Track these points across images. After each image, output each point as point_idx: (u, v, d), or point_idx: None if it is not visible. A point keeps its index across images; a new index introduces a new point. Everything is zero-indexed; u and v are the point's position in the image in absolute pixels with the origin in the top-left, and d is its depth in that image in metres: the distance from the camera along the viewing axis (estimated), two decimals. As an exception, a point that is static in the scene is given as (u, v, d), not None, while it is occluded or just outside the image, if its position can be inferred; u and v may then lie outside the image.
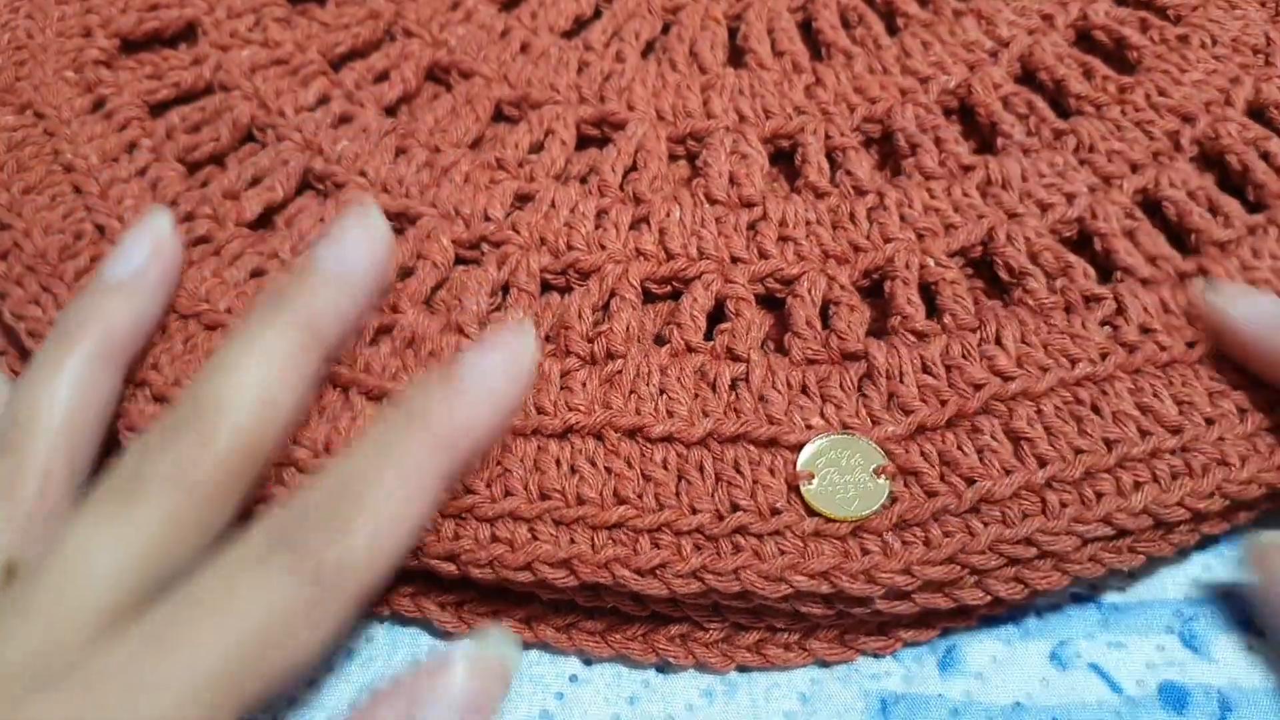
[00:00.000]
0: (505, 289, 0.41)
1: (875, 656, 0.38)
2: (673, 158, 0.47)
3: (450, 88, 0.49)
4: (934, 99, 0.46)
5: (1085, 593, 0.39)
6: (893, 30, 0.50)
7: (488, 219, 0.43)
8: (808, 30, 0.51)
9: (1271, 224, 0.41)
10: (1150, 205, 0.42)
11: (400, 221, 0.43)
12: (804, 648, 0.38)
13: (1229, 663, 0.37)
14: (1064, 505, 0.35)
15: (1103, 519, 0.35)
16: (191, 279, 0.41)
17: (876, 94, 0.47)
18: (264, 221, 0.44)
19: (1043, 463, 0.36)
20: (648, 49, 0.51)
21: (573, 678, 0.38)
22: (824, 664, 0.38)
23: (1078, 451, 0.36)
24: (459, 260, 0.43)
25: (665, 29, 0.52)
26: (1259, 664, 0.37)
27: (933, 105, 0.46)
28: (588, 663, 0.38)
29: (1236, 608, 0.39)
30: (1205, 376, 0.38)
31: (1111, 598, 0.39)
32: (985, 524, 0.35)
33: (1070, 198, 0.42)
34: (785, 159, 0.47)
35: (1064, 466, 0.36)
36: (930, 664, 0.38)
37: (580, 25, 0.52)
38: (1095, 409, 0.37)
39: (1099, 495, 0.35)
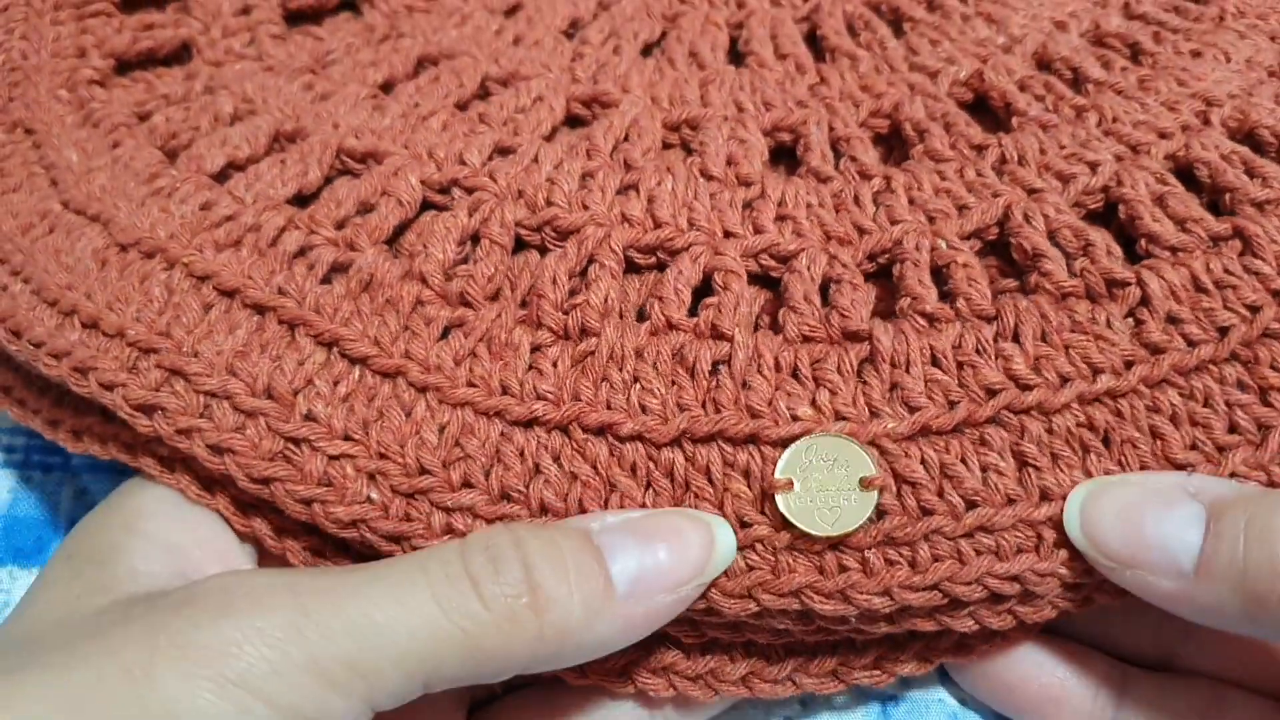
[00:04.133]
0: (475, 239, 0.38)
1: (868, 689, 0.37)
2: (667, 145, 0.44)
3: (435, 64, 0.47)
4: (945, 91, 0.44)
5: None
6: (899, 35, 0.48)
7: (462, 163, 0.40)
8: (812, 43, 0.50)
9: None
10: (1183, 174, 0.39)
11: (367, 161, 0.41)
12: (793, 681, 0.36)
13: None
14: (1058, 546, 0.33)
15: (1088, 569, 0.33)
16: (138, 215, 0.39)
17: (883, 90, 0.45)
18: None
19: (1045, 497, 0.33)
20: (646, 51, 0.49)
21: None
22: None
23: None
24: (427, 205, 0.39)
25: (664, 36, 0.50)
26: None
27: (943, 96, 0.44)
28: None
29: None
30: (1232, 381, 0.34)
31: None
32: (978, 553, 0.32)
33: (1094, 166, 0.39)
34: (788, 156, 0.44)
35: (1065, 506, 0.33)
36: (930, 667, 0.38)
37: (578, 28, 0.51)
38: (1106, 439, 0.34)
39: None
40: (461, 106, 0.44)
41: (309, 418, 0.33)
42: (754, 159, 0.41)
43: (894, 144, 0.44)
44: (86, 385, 0.34)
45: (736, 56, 0.49)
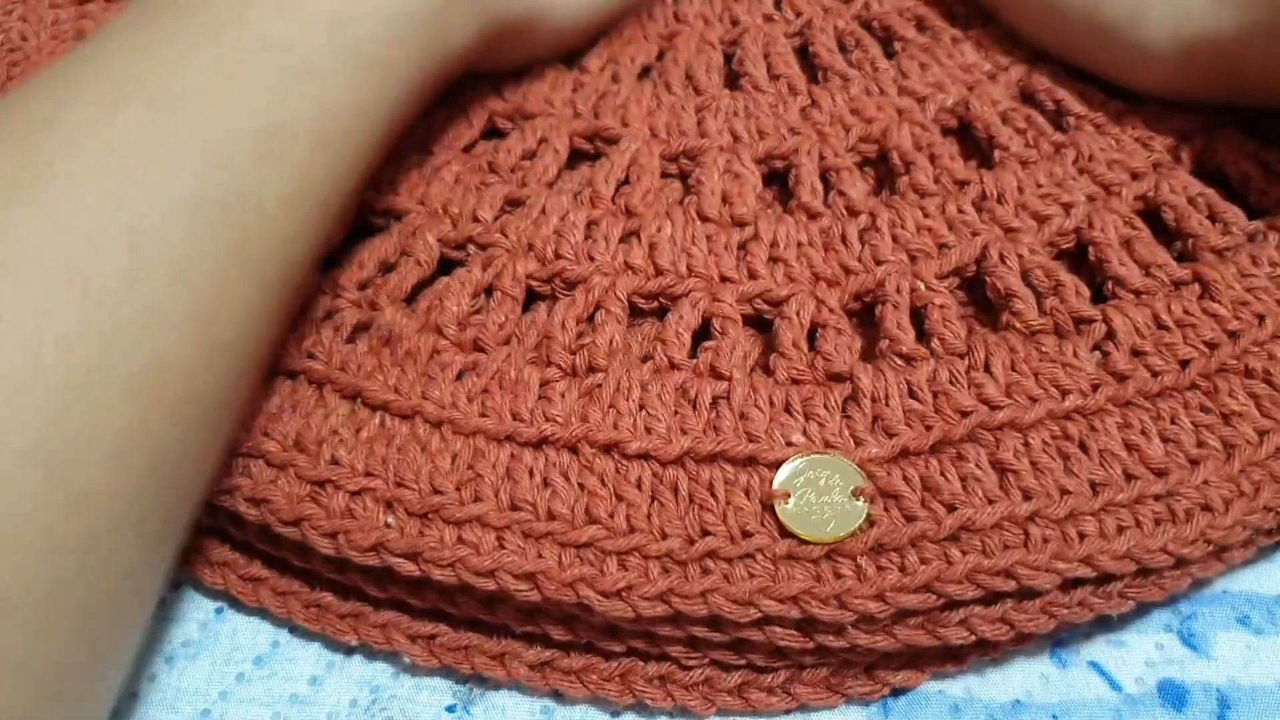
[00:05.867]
0: (489, 291, 0.41)
1: (863, 703, 0.37)
2: (665, 175, 0.46)
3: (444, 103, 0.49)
4: (931, 117, 0.46)
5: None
6: (890, 55, 0.50)
7: (476, 220, 0.42)
8: (804, 56, 0.51)
9: (1272, 229, 0.40)
10: (1150, 215, 0.42)
11: (386, 217, 0.43)
12: (788, 692, 0.37)
13: (1227, 660, 0.37)
14: (1046, 541, 0.34)
15: (1084, 559, 0.34)
16: None
17: (873, 114, 0.46)
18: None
19: (1027, 496, 0.35)
20: (643, 73, 0.51)
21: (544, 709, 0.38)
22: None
23: (1063, 492, 0.35)
24: (443, 260, 0.42)
25: (661, 55, 0.52)
26: (1257, 661, 0.37)
27: (930, 124, 0.46)
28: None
29: (1235, 606, 0.38)
30: (1195, 406, 0.37)
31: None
32: (964, 552, 0.34)
33: (1068, 208, 0.41)
34: (779, 180, 0.46)
35: (1048, 503, 0.35)
36: (930, 661, 0.38)
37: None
38: (1083, 446, 0.36)
39: (1081, 535, 0.34)
40: (468, 150, 0.47)
41: (333, 462, 0.36)
42: (748, 195, 0.44)
43: (881, 169, 0.46)
44: None
45: (731, 76, 0.51)
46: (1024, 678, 0.37)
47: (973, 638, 0.35)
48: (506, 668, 0.37)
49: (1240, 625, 0.38)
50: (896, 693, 0.37)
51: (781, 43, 0.51)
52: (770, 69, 0.50)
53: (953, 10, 0.51)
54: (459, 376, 0.38)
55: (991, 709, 0.37)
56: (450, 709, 0.37)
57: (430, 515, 0.35)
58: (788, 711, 0.37)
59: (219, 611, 0.39)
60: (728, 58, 0.51)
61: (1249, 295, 0.39)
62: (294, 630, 0.39)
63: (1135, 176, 0.42)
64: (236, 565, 0.39)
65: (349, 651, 0.39)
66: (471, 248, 0.42)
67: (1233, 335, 0.38)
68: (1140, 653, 0.38)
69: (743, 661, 0.37)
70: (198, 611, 0.39)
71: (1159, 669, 0.37)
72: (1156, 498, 0.35)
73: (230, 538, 0.39)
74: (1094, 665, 0.38)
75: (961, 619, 0.35)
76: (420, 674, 0.38)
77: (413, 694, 0.38)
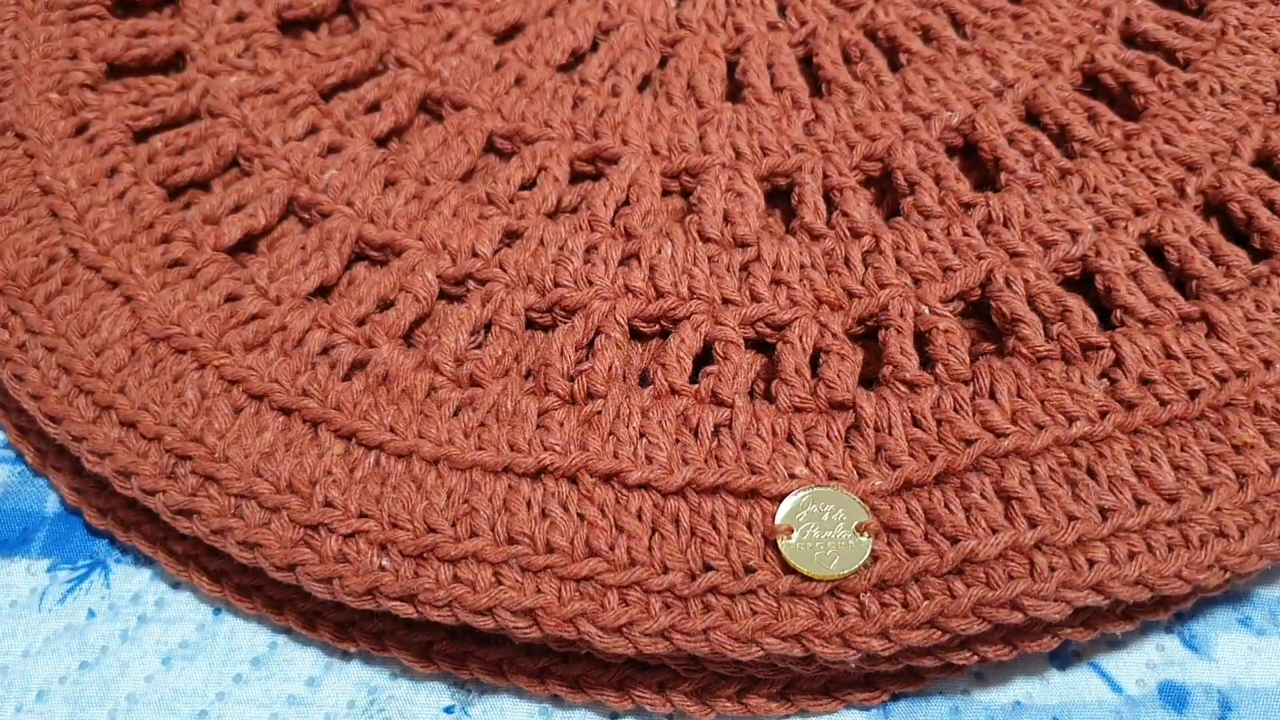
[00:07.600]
0: (487, 327, 0.40)
1: (863, 708, 0.37)
2: (666, 192, 0.46)
3: (442, 119, 0.48)
4: (936, 136, 0.45)
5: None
6: (895, 67, 0.49)
7: (475, 255, 0.42)
8: (808, 65, 0.50)
9: (1275, 274, 0.40)
10: (1153, 250, 0.41)
11: (385, 253, 0.43)
12: (787, 699, 0.37)
13: (1229, 662, 0.37)
14: (1053, 570, 0.33)
15: (1094, 586, 0.33)
16: (164, 301, 0.40)
17: (877, 131, 0.46)
18: (245, 249, 0.44)
19: (1033, 524, 0.34)
20: (644, 82, 0.50)
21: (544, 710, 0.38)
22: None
23: (1070, 518, 0.34)
24: (443, 295, 0.42)
25: (663, 62, 0.51)
26: (1259, 663, 0.37)
27: (934, 142, 0.45)
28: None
29: (1237, 607, 0.39)
30: (1205, 436, 0.36)
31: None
32: (968, 585, 0.33)
33: (1075, 235, 0.41)
34: (782, 197, 0.46)
35: (1055, 530, 0.34)
36: (930, 662, 0.37)
37: (577, 58, 0.51)
38: (1091, 472, 0.35)
39: (1091, 562, 0.34)
40: (467, 176, 0.46)
41: (327, 504, 0.36)
42: (750, 214, 0.43)
43: (886, 186, 0.46)
44: (129, 487, 0.37)
45: (735, 86, 0.50)
46: (1024, 679, 0.37)
47: (976, 659, 0.35)
48: (505, 674, 0.37)
49: (1242, 627, 0.38)
50: (896, 696, 0.37)
51: (786, 53, 0.50)
52: (774, 80, 0.49)
53: (958, 16, 0.51)
54: (456, 412, 0.38)
55: (992, 710, 0.36)
56: (449, 710, 0.37)
57: (425, 555, 0.35)
58: (786, 716, 0.37)
59: (217, 613, 0.39)
60: (731, 66, 0.51)
61: (1255, 340, 0.38)
62: (292, 632, 0.39)
63: (1139, 212, 0.42)
64: (233, 574, 0.39)
65: (346, 653, 0.38)
66: (471, 283, 0.41)
67: (1241, 374, 0.38)
68: (1141, 654, 0.37)
69: (742, 674, 0.36)
70: (195, 612, 0.39)
71: (1160, 670, 0.37)
72: (1169, 523, 0.35)
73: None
74: (1094, 667, 0.37)
75: (963, 642, 0.35)
76: (418, 675, 0.38)
77: (411, 695, 0.38)
